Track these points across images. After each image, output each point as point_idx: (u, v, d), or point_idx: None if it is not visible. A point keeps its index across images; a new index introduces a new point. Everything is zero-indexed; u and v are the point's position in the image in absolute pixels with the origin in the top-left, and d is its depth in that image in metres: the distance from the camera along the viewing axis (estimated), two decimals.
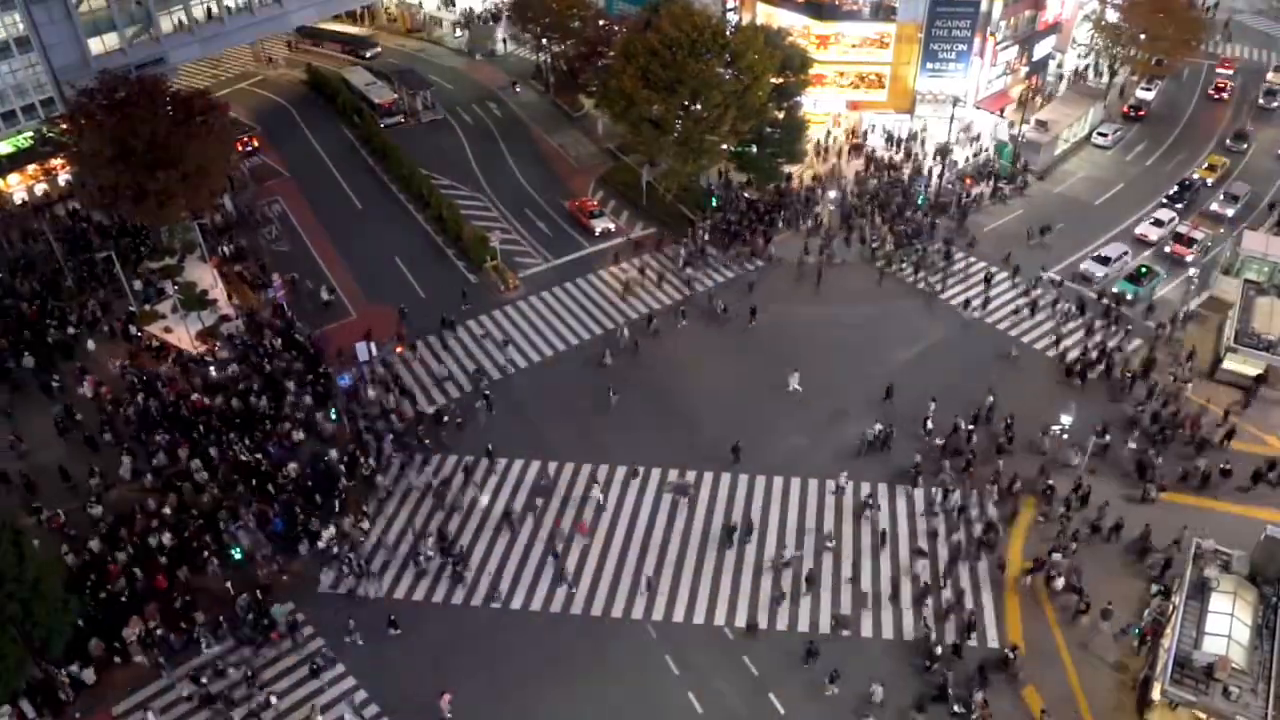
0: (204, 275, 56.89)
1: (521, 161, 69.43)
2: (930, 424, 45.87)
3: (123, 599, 38.16)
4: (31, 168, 64.51)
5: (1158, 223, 60.69)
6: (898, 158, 68.28)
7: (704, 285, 56.56)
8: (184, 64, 73.82)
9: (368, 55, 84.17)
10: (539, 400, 48.65)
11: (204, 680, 35.79)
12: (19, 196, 64.34)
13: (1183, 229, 59.93)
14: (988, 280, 55.74)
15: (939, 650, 36.18)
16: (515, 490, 44.04)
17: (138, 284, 55.46)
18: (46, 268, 57.07)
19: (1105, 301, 53.87)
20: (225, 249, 59.41)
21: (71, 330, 52.57)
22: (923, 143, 69.49)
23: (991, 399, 46.96)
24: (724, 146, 59.50)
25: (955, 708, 34.53)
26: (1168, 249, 59.08)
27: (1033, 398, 47.39)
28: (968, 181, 65.01)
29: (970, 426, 45.41)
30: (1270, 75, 79.00)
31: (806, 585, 39.26)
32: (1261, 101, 75.79)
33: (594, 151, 71.37)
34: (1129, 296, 54.64)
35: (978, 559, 40.44)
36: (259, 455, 44.23)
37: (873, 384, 48.48)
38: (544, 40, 77.20)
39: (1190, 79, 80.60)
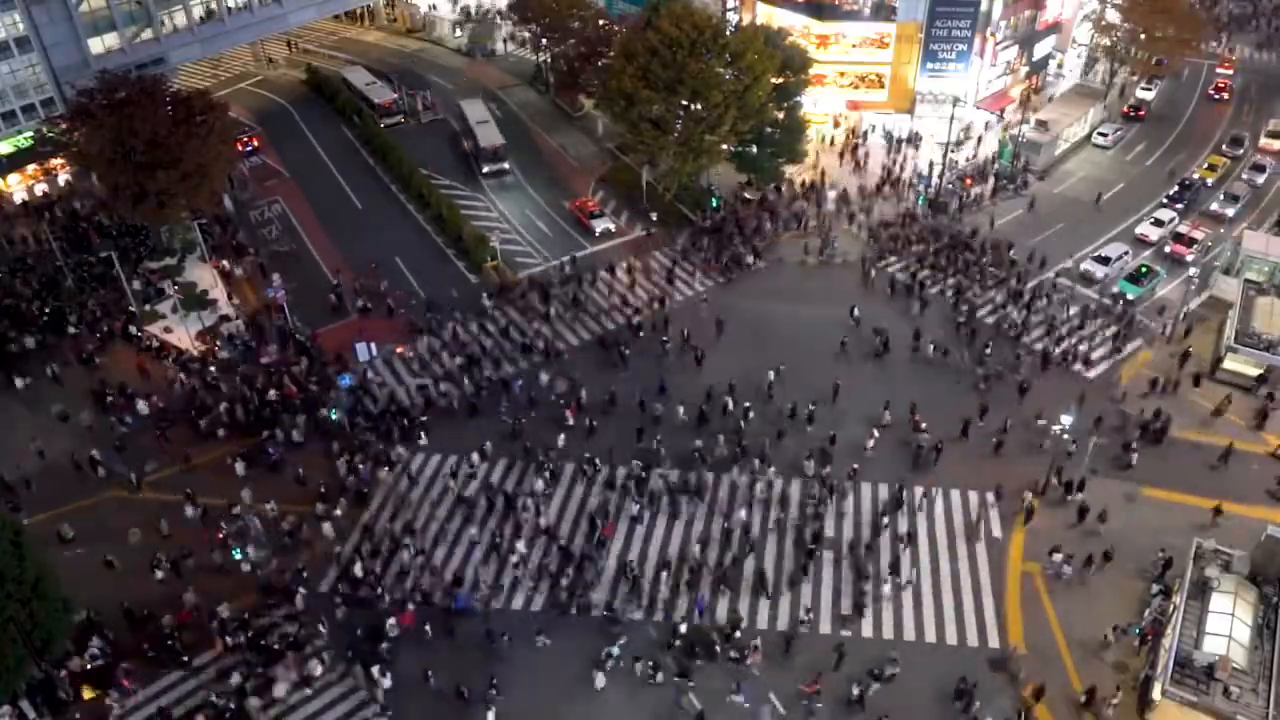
0: (204, 275, 56.94)
1: (521, 161, 69.32)
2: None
3: (289, 642, 36.79)
4: (31, 168, 64.60)
5: (1158, 223, 60.68)
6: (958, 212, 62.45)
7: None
8: (184, 64, 73.90)
9: (484, 171, 66.91)
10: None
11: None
12: (19, 196, 64.39)
13: (1183, 229, 59.93)
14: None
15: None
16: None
17: (138, 284, 55.49)
18: (47, 267, 57.12)
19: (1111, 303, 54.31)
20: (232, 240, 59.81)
21: (72, 330, 52.61)
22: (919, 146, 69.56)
23: (773, 375, 47.95)
24: (724, 146, 59.50)
25: (731, 654, 36.13)
26: (1168, 249, 59.09)
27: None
28: (968, 181, 65.01)
29: (747, 404, 46.71)
30: (1264, 140, 70.25)
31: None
32: (1245, 177, 66.43)
33: (594, 151, 71.37)
34: (1129, 296, 54.68)
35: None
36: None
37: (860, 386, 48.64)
38: (544, 40, 77.20)
39: (1190, 79, 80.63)
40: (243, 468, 43.96)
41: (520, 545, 40.65)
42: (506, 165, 67.24)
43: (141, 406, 47.15)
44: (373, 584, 39.14)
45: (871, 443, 45.10)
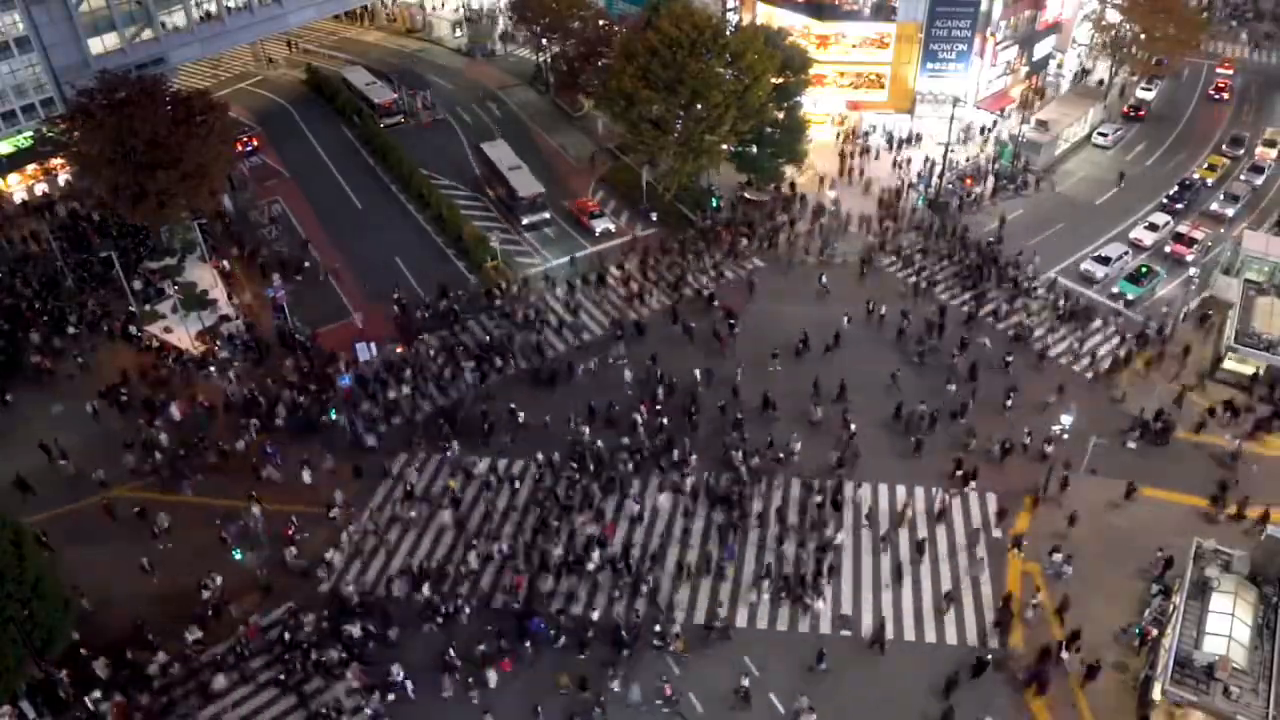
0: (204, 275, 56.94)
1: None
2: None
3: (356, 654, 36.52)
4: (31, 168, 64.60)
5: (1152, 226, 60.57)
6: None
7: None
8: (184, 64, 73.89)
9: (525, 223, 61.40)
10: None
11: None
12: (19, 196, 64.39)
13: (1183, 229, 59.91)
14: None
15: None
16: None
17: (138, 284, 55.49)
18: (47, 268, 57.10)
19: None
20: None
21: (71, 330, 52.63)
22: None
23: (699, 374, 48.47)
24: (724, 146, 59.48)
25: (654, 641, 36.71)
26: (1168, 249, 59.05)
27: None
28: (968, 181, 65.00)
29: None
30: (1261, 148, 69.01)
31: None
32: (1244, 177, 66.43)
33: (594, 151, 71.32)
34: (1129, 296, 54.70)
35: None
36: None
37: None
38: (544, 40, 77.19)
39: (1190, 79, 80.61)
40: (310, 475, 43.85)
41: (595, 556, 40.09)
42: (548, 215, 62.08)
43: (174, 412, 46.95)
44: (444, 599, 38.50)
45: (798, 446, 44.74)
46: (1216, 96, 77.78)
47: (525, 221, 61.38)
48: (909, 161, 67.80)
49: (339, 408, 47.43)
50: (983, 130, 70.85)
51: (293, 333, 52.18)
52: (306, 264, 58.42)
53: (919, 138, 69.94)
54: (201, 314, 53.00)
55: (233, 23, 71.01)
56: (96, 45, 63.52)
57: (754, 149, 61.66)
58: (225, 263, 58.43)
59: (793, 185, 64.78)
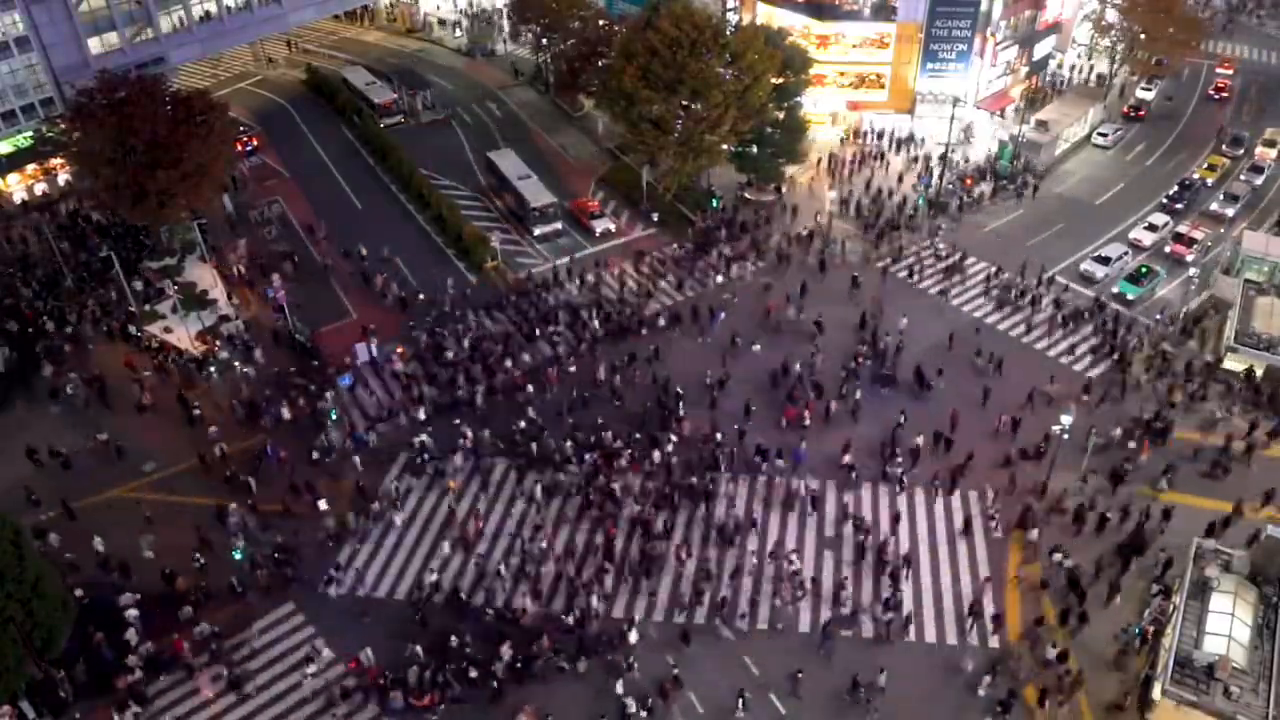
0: (204, 275, 56.93)
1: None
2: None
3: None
4: (31, 168, 64.56)
5: (1151, 227, 60.55)
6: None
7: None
8: (184, 64, 73.89)
9: (537, 234, 60.44)
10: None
11: None
12: (19, 196, 64.38)
13: (1183, 229, 59.90)
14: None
15: None
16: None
17: (138, 284, 55.48)
18: (47, 268, 57.09)
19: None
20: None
21: (71, 330, 52.60)
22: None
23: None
24: (724, 146, 59.48)
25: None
26: (1167, 249, 59.05)
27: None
28: (968, 181, 64.99)
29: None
30: (1261, 149, 68.74)
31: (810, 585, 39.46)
32: (1244, 177, 66.57)
33: (594, 151, 71.33)
34: (1129, 296, 54.70)
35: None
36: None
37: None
38: (544, 40, 77.19)
39: (1190, 79, 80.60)
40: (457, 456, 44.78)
41: (796, 560, 39.75)
42: (560, 225, 61.35)
43: (284, 412, 46.88)
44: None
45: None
46: (1216, 96, 77.75)
47: (538, 232, 60.60)
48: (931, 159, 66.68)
49: (339, 407, 47.47)
50: (968, 135, 70.26)
51: (292, 333, 52.17)
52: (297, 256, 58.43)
53: (910, 137, 69.94)
54: (201, 314, 52.99)
55: (232, 23, 71.02)
56: (96, 45, 63.49)
57: (754, 149, 61.68)
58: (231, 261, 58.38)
59: (736, 208, 63.08)
